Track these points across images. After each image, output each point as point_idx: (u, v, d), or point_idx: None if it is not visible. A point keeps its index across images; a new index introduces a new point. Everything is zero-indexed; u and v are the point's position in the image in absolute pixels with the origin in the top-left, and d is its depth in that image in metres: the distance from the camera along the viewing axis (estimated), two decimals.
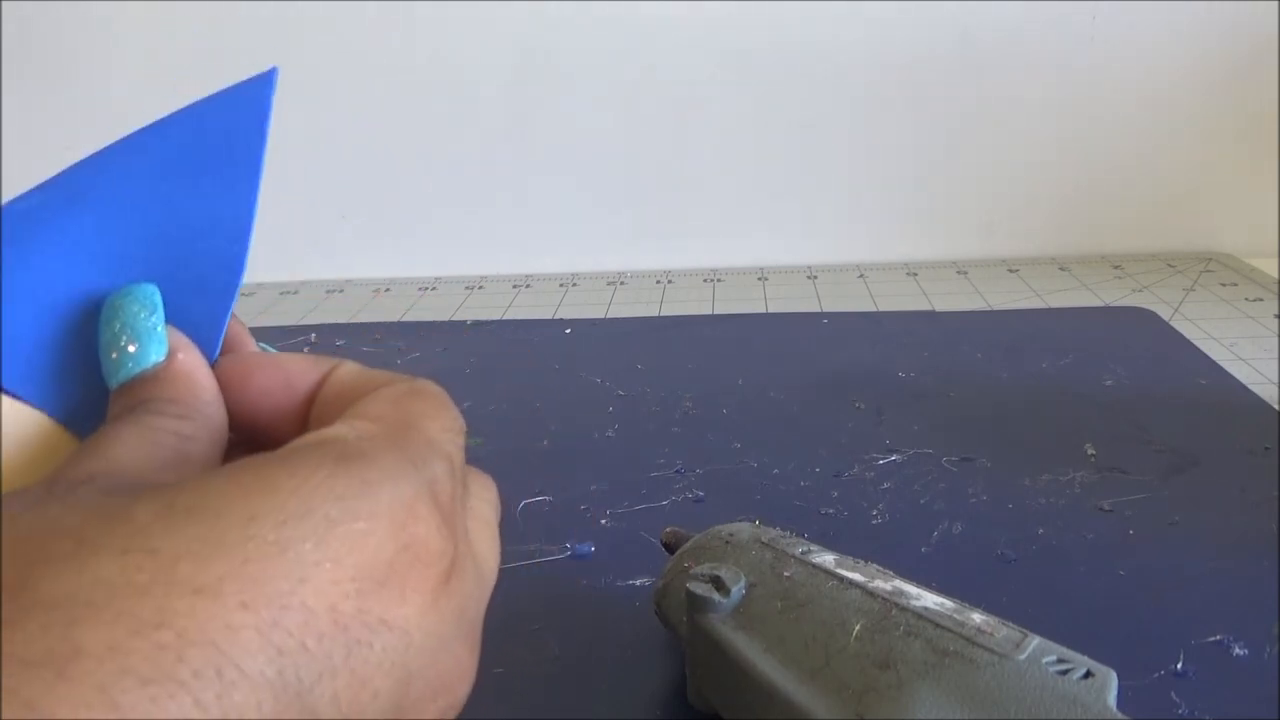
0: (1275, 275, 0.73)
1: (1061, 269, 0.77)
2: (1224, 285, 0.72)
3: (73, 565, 0.14)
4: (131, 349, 0.21)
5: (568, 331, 0.68)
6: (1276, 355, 0.58)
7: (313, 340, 0.68)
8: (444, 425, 0.21)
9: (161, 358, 0.21)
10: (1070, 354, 0.59)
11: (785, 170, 0.82)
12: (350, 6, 0.79)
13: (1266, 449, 0.46)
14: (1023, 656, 0.24)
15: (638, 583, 0.38)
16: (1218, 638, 0.34)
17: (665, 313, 0.71)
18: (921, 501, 0.43)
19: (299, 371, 0.23)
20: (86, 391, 0.22)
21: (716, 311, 0.71)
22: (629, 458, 0.48)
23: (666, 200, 0.83)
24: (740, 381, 0.57)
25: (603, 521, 0.42)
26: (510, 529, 0.42)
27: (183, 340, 0.22)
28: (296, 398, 0.23)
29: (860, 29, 0.77)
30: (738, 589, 0.28)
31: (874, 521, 0.42)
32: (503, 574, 0.39)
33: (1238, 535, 0.40)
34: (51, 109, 0.83)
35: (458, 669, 0.19)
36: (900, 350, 0.60)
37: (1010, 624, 0.26)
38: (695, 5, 0.78)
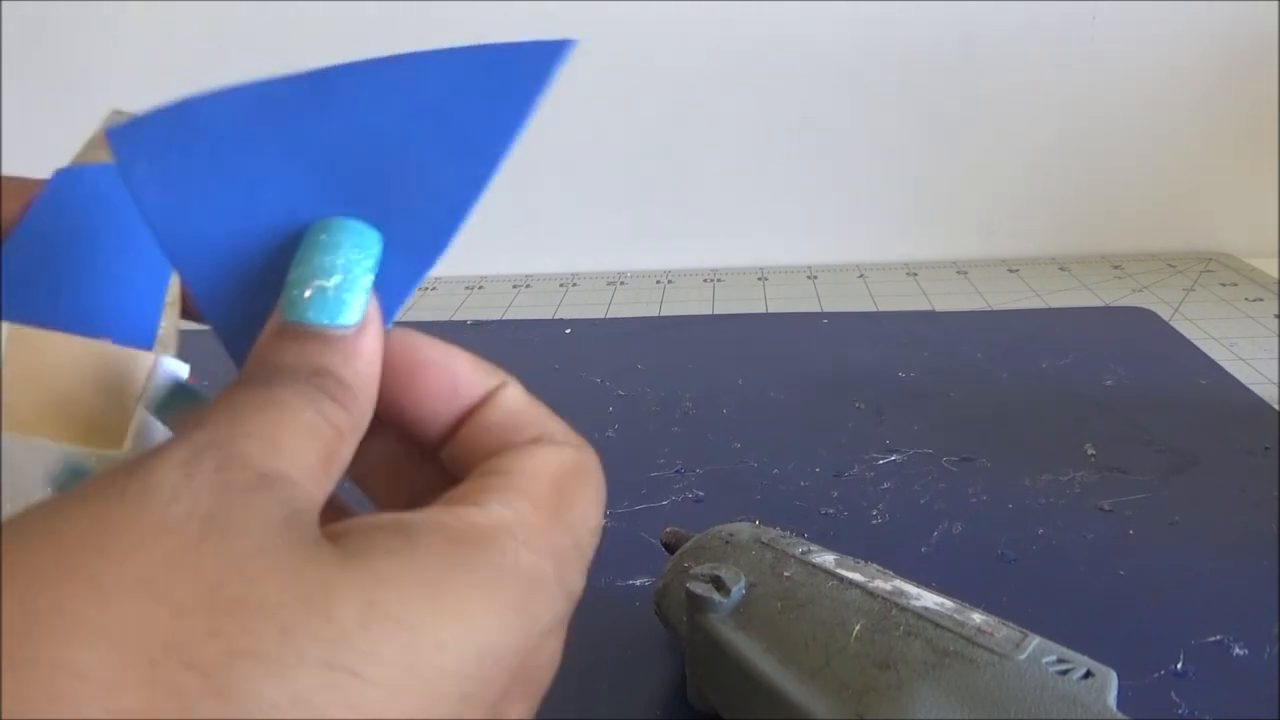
0: (1275, 275, 0.73)
1: (1061, 269, 0.77)
2: (1224, 285, 0.72)
3: (275, 670, 0.14)
4: (334, 295, 0.19)
5: (568, 332, 0.68)
6: (1276, 355, 0.58)
7: None
8: (594, 526, 0.21)
9: (356, 321, 0.19)
10: (1070, 354, 0.59)
11: (785, 170, 0.82)
12: (350, 6, 0.79)
13: (1266, 449, 0.46)
14: (1023, 656, 0.24)
15: (638, 583, 0.38)
16: (1218, 638, 0.34)
17: (665, 313, 0.71)
18: (921, 501, 0.43)
19: (467, 380, 0.21)
20: (232, 310, 0.20)
21: (716, 311, 0.71)
22: (629, 458, 0.48)
23: (666, 200, 0.83)
24: (740, 381, 0.57)
25: (603, 521, 0.42)
26: None
27: (377, 313, 0.19)
28: (458, 408, 0.21)
29: (860, 29, 0.77)
30: (738, 589, 0.28)
31: (874, 521, 0.42)
32: None
33: (1238, 535, 0.40)
34: (52, 109, 0.83)
35: None
36: (900, 350, 0.60)
37: (1010, 624, 0.26)
38: (696, 5, 0.78)
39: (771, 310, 0.71)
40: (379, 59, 0.19)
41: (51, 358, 0.25)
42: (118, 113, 0.28)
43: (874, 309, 0.70)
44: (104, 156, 0.28)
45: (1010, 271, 0.78)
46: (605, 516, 0.42)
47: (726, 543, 0.31)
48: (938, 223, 0.82)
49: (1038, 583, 0.37)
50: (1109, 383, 0.54)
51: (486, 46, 0.20)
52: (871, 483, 0.45)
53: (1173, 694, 0.31)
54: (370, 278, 0.19)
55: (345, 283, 0.19)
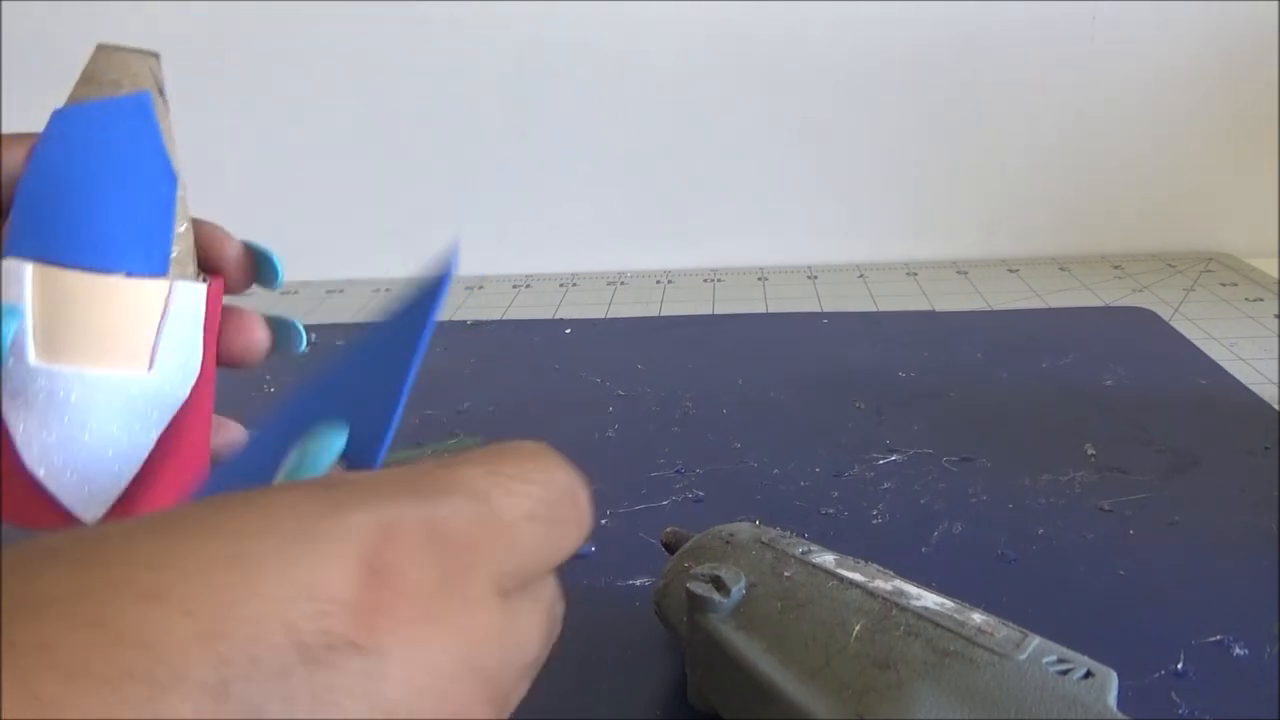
0: (1275, 275, 0.73)
1: (1062, 269, 0.77)
2: (1224, 285, 0.72)
3: (23, 575, 0.14)
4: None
5: (568, 332, 0.68)
6: (1276, 355, 0.58)
7: (313, 340, 0.68)
8: (493, 468, 0.20)
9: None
10: (1070, 354, 0.59)
11: (786, 170, 0.82)
12: (350, 7, 0.79)
13: (1266, 449, 0.46)
14: (1023, 656, 0.24)
15: (638, 583, 0.38)
16: (1218, 638, 0.34)
17: (665, 313, 0.71)
18: (921, 501, 0.43)
19: None
20: None
21: (717, 311, 0.71)
22: (629, 458, 0.48)
23: (667, 200, 0.83)
24: (740, 381, 0.57)
25: (603, 522, 0.42)
26: None
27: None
28: None
29: (861, 29, 0.77)
30: (738, 589, 0.28)
31: (874, 521, 0.42)
32: None
33: (1238, 535, 0.40)
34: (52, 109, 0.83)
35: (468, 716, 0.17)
36: (900, 350, 0.60)
37: (1010, 624, 0.26)
38: (696, 5, 0.78)
39: (772, 310, 0.71)
40: (358, 338, 0.24)
41: (74, 294, 0.28)
42: (102, 47, 0.30)
43: (874, 309, 0.70)
44: (96, 92, 0.29)
45: (1010, 271, 0.78)
46: (605, 516, 0.42)
47: (727, 543, 0.31)
48: (938, 223, 0.82)
49: (1038, 583, 0.37)
50: (1109, 383, 0.54)
51: (402, 306, 0.24)
52: (871, 483, 0.45)
53: (1173, 694, 0.31)
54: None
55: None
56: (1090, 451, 0.47)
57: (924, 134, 0.80)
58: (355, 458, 0.24)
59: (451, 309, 0.74)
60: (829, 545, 0.31)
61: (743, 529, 0.32)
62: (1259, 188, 0.79)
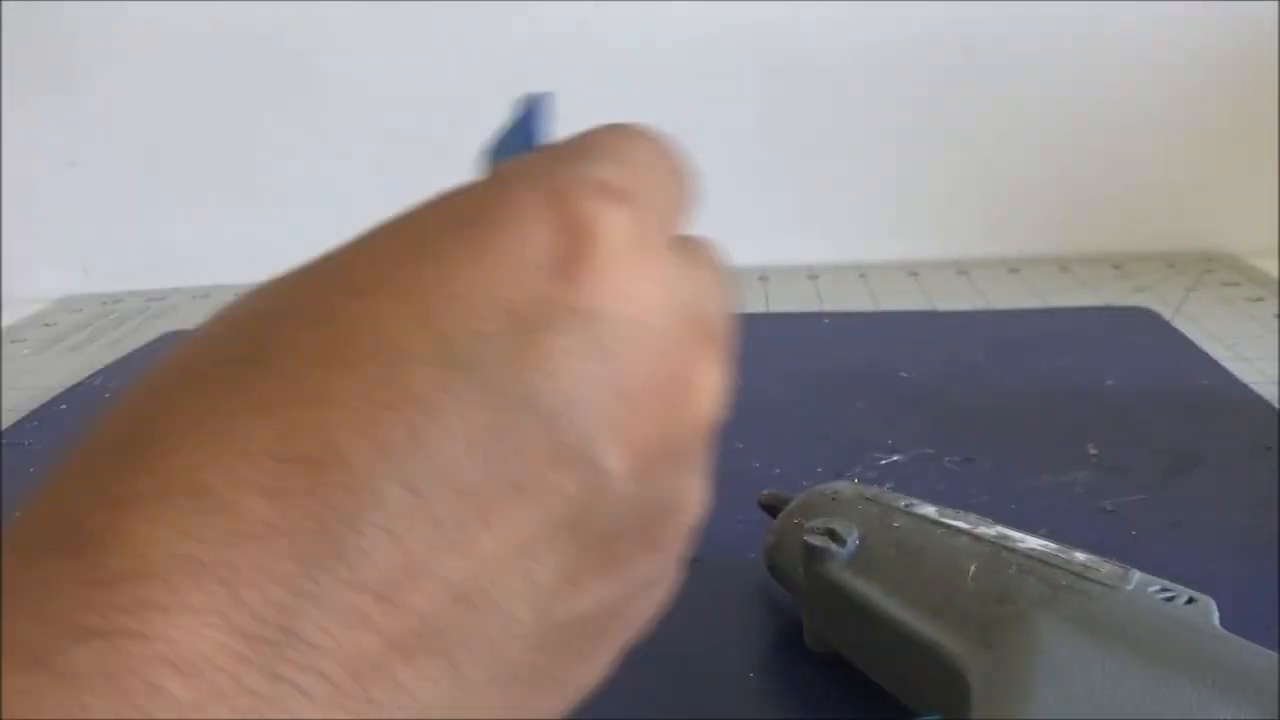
0: (1276, 275, 0.73)
1: (1062, 269, 0.77)
2: (1225, 285, 0.72)
3: (243, 298, 0.17)
4: None
5: None
6: (1277, 355, 0.58)
7: None
8: (611, 133, 0.20)
9: None
10: (1071, 354, 0.58)
11: (786, 170, 0.82)
12: (350, 8, 0.79)
13: (1268, 449, 0.46)
14: (1130, 587, 0.26)
15: None
16: None
17: None
18: None
19: None
20: None
21: None
22: None
23: None
24: (741, 381, 0.56)
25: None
26: None
27: None
28: None
29: (862, 29, 0.77)
30: (853, 539, 0.30)
31: None
32: None
33: (1239, 535, 0.40)
34: (52, 109, 0.83)
35: (687, 356, 0.18)
36: (901, 350, 0.60)
37: (1112, 561, 0.28)
38: (696, 5, 0.78)
39: (772, 310, 0.71)
40: None
41: None
42: None
43: (875, 309, 0.70)
44: None
45: (1011, 271, 0.78)
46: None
47: (832, 499, 0.33)
48: (938, 223, 0.82)
49: None
50: (1110, 383, 0.54)
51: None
52: (873, 483, 0.45)
53: None
54: None
55: None
56: (1092, 451, 0.47)
57: (924, 133, 0.80)
58: None
59: None
60: (1009, 523, 0.32)
61: (845, 486, 0.34)
62: (1260, 188, 0.78)
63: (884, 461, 0.47)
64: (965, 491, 0.44)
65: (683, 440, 0.18)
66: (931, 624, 0.27)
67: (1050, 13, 0.76)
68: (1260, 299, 0.68)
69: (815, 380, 0.56)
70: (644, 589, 0.19)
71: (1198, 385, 0.54)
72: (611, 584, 0.18)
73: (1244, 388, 0.53)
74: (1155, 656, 0.24)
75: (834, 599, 0.31)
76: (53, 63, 0.82)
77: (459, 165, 0.79)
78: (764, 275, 0.80)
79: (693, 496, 0.19)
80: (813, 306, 0.71)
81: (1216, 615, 0.26)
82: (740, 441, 0.49)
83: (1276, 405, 0.51)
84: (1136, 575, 0.27)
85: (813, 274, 0.79)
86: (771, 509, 0.36)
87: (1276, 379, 0.54)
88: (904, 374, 0.57)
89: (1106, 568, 0.27)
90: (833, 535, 0.31)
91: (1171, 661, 0.24)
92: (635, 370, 0.16)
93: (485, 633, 0.15)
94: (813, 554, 0.31)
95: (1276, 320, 0.64)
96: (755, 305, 0.72)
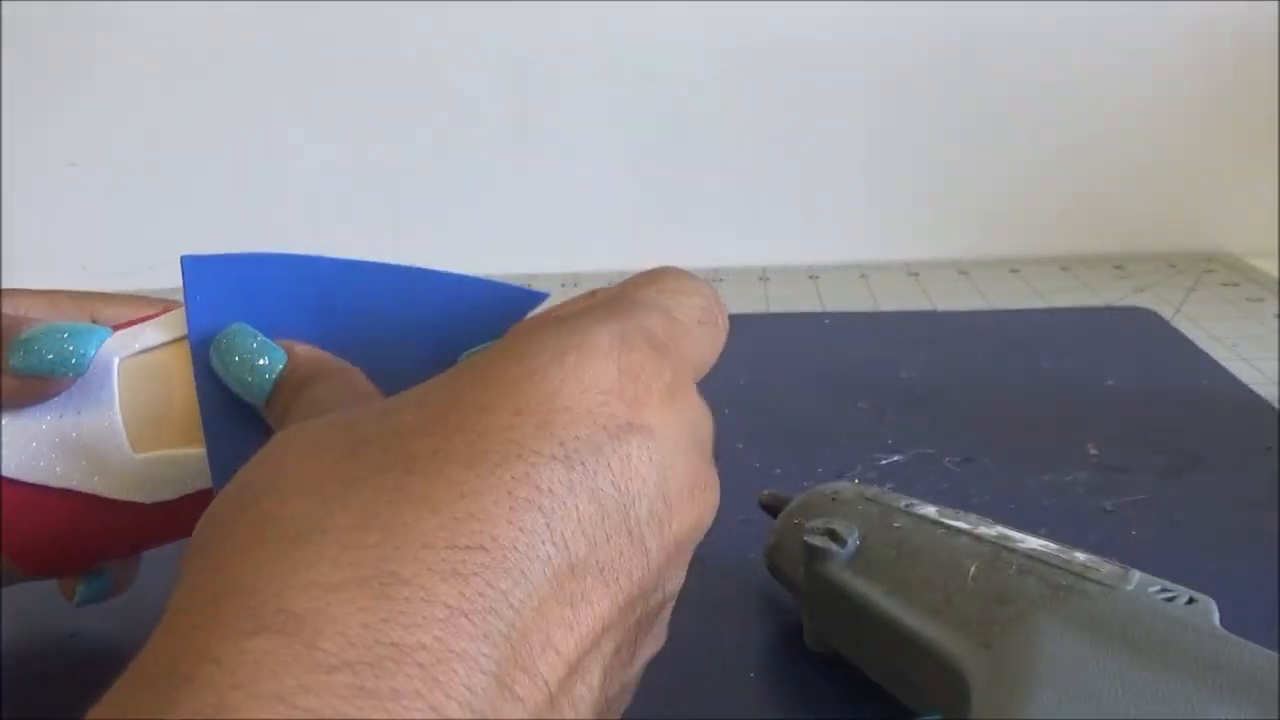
0: (1276, 275, 0.73)
1: (1063, 269, 0.77)
2: (1225, 285, 0.72)
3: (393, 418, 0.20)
4: (264, 360, 0.26)
5: None
6: (1277, 355, 0.58)
7: None
8: (660, 287, 0.25)
9: (284, 360, 0.26)
10: (1072, 354, 0.58)
11: (786, 170, 0.82)
12: (350, 7, 0.79)
13: (1268, 449, 0.46)
14: (1130, 587, 0.26)
15: None
16: None
17: None
18: None
19: None
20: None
21: None
22: None
23: (667, 200, 0.83)
24: (742, 382, 0.57)
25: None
26: None
27: (293, 344, 0.26)
28: None
29: (862, 29, 0.77)
30: (853, 539, 0.30)
31: None
32: None
33: (1239, 535, 0.40)
34: (52, 109, 0.83)
35: (701, 477, 0.23)
36: (902, 350, 0.60)
37: (1112, 561, 0.28)
38: (696, 4, 0.78)
39: (773, 310, 0.71)
40: (400, 267, 0.28)
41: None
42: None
43: (876, 309, 0.70)
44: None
45: (1012, 272, 0.78)
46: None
47: (833, 499, 0.33)
48: (939, 223, 0.82)
49: None
50: (1111, 383, 0.54)
51: (481, 281, 0.29)
52: (874, 483, 0.45)
53: None
54: (264, 338, 0.27)
55: (262, 349, 0.27)
56: (1092, 451, 0.47)
57: (925, 134, 0.80)
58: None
59: None
60: (1009, 523, 0.32)
61: (846, 487, 0.34)
62: (1260, 188, 0.78)
63: (884, 461, 0.47)
64: (966, 491, 0.44)
65: (691, 540, 0.23)
66: (931, 624, 0.27)
67: (1051, 13, 0.76)
68: (1260, 299, 0.68)
69: (815, 380, 0.56)
70: (642, 670, 0.23)
71: (1198, 385, 0.54)
72: (636, 663, 0.22)
73: (1244, 388, 0.53)
74: (1156, 656, 0.24)
75: (834, 599, 0.31)
76: (53, 63, 0.82)
77: (458, 165, 0.79)
78: (764, 275, 0.80)
79: (678, 588, 0.23)
80: (813, 306, 0.71)
81: (1217, 615, 0.26)
82: (740, 441, 0.49)
83: (1276, 405, 0.51)
84: (1137, 575, 0.27)
85: (813, 274, 0.79)
86: (772, 509, 0.36)
87: (1276, 379, 0.54)
88: (904, 374, 0.57)
89: (1107, 568, 0.27)
90: (833, 535, 0.31)
91: (1172, 662, 0.24)
92: (675, 480, 0.21)
93: (578, 699, 0.18)
94: (813, 554, 0.31)
95: (1276, 320, 0.64)
96: (755, 305, 0.72)
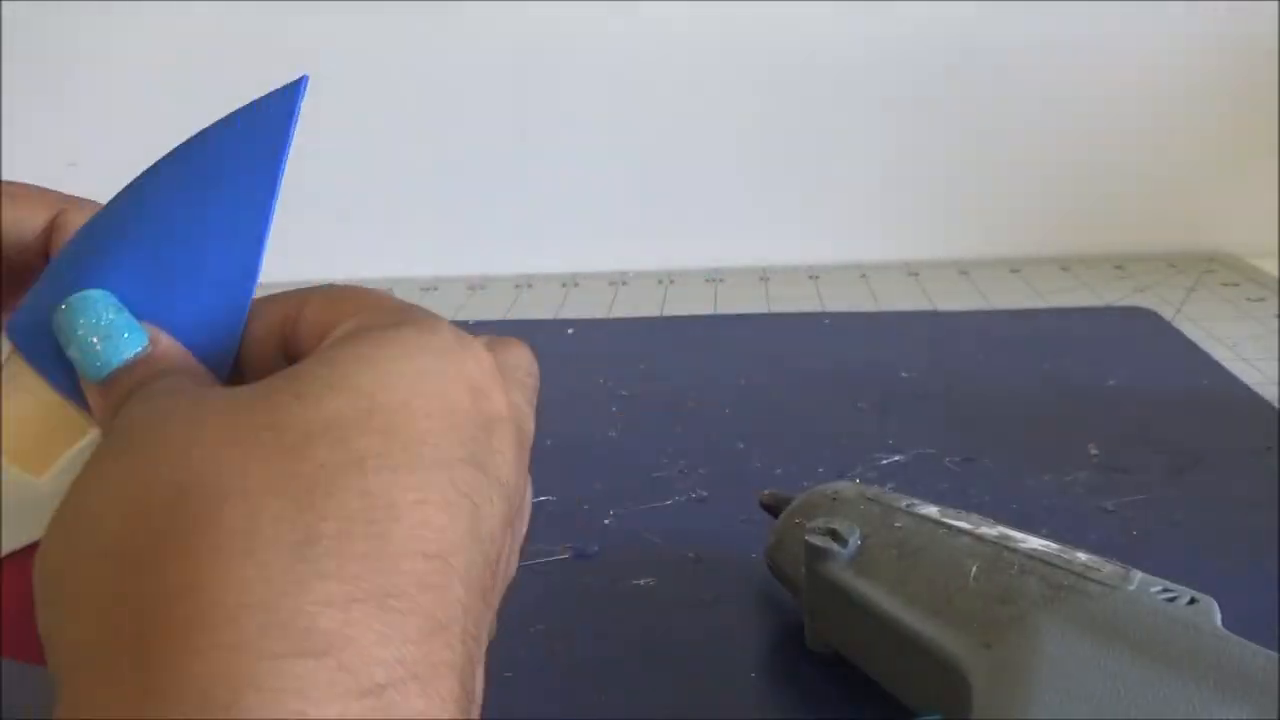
0: (1277, 275, 0.73)
1: (1063, 269, 0.77)
2: (1226, 285, 0.72)
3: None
4: (126, 335, 0.22)
5: (570, 332, 0.68)
6: (1277, 355, 0.58)
7: None
8: (489, 344, 0.24)
9: (145, 343, 0.22)
10: (1072, 354, 0.59)
11: (787, 170, 0.82)
12: (349, 7, 0.79)
13: (1268, 449, 0.46)
14: (1131, 587, 0.26)
15: (641, 582, 0.38)
16: None
17: (668, 313, 0.71)
18: None
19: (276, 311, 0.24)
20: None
21: (719, 312, 0.71)
22: (632, 458, 0.48)
23: (668, 200, 0.83)
24: (742, 382, 0.57)
25: (606, 521, 0.42)
26: None
27: (159, 332, 0.23)
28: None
29: (862, 29, 0.77)
30: (854, 539, 0.31)
31: None
32: None
33: (1239, 535, 0.40)
34: (52, 109, 0.83)
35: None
36: (902, 350, 0.60)
37: (1114, 561, 0.28)
38: (697, 5, 0.78)
39: (774, 310, 0.71)
40: (162, 159, 0.26)
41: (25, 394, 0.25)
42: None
43: (876, 309, 0.70)
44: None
45: (1012, 271, 0.78)
46: (607, 516, 0.42)
47: (833, 499, 0.33)
48: (939, 223, 0.82)
49: None
50: (1111, 383, 0.54)
51: (239, 110, 0.25)
52: (874, 483, 0.45)
53: None
54: (127, 314, 0.23)
55: (119, 326, 0.23)
56: (1093, 451, 0.47)
57: (925, 134, 0.80)
58: (208, 325, 0.24)
59: (453, 309, 0.74)
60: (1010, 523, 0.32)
61: (846, 486, 0.34)
62: (1260, 188, 0.78)
63: (885, 461, 0.47)
64: (966, 491, 0.44)
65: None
66: (933, 624, 0.27)
67: (1050, 13, 0.76)
68: (1260, 299, 0.68)
69: (816, 380, 0.56)
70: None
71: (1198, 385, 0.54)
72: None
73: (1244, 388, 0.53)
74: (1156, 657, 0.24)
75: (835, 599, 0.31)
76: (53, 63, 0.82)
77: (458, 165, 0.79)
78: (764, 275, 0.80)
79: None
80: (813, 306, 0.71)
81: (1218, 615, 0.26)
82: (741, 441, 0.49)
83: (1276, 405, 0.51)
84: (1138, 575, 0.27)
85: (813, 274, 0.79)
86: (772, 509, 0.36)
87: (1276, 379, 0.54)
88: (905, 374, 0.57)
89: (1108, 568, 0.27)
90: (834, 535, 0.31)
91: (1172, 662, 0.24)
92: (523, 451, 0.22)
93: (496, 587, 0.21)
94: (814, 554, 0.31)
95: (1276, 320, 0.64)
96: (755, 305, 0.72)
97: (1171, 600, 0.26)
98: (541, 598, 0.37)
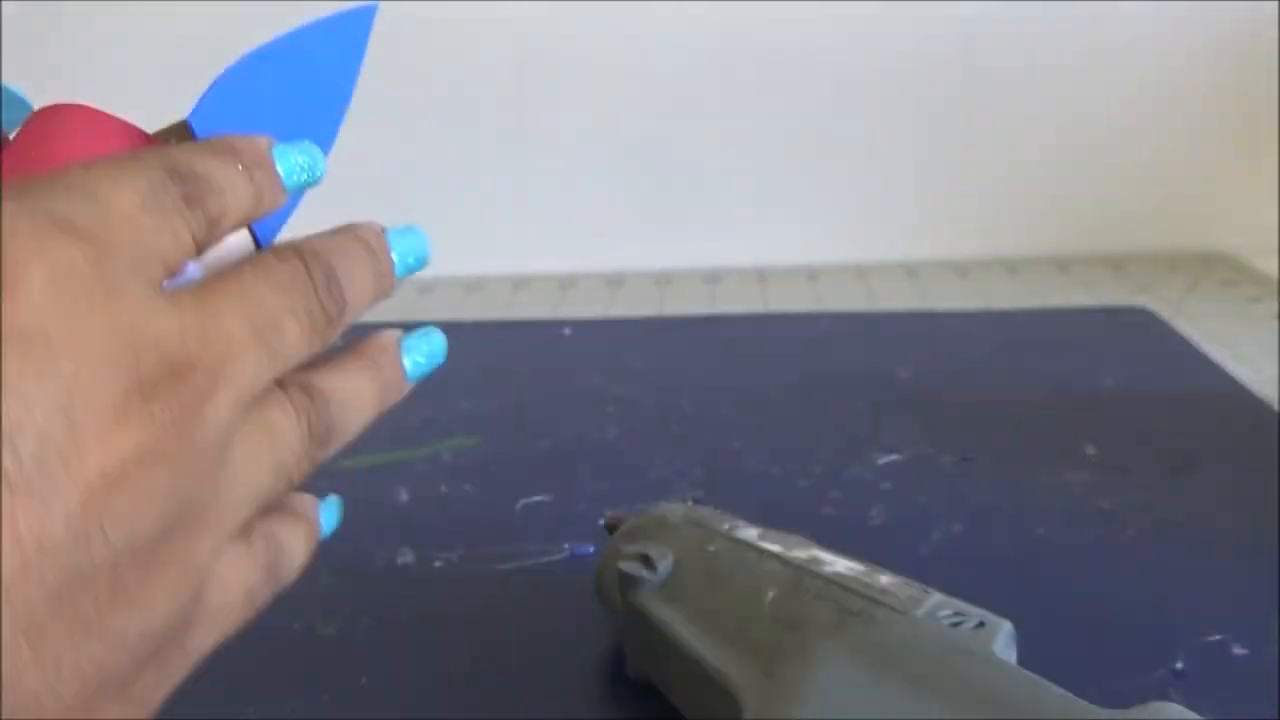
0: (1275, 275, 0.73)
1: (1061, 269, 0.77)
2: (1224, 285, 0.72)
3: None
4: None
5: (567, 332, 0.68)
6: (1276, 355, 0.58)
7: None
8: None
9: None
10: (1070, 354, 0.58)
11: (785, 170, 0.82)
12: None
13: (1268, 449, 0.46)
14: (920, 612, 0.26)
15: None
16: (1217, 637, 0.34)
17: (665, 313, 0.71)
18: (921, 502, 0.43)
19: None
20: None
21: (716, 312, 0.71)
22: (628, 458, 0.48)
23: (666, 200, 0.83)
24: (739, 382, 0.57)
25: (601, 522, 0.42)
26: (509, 529, 0.42)
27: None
28: None
29: (861, 28, 0.77)
30: (664, 565, 0.30)
31: (873, 522, 0.42)
32: (503, 575, 0.39)
33: (1238, 535, 0.40)
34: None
35: (129, 401, 0.18)
36: (900, 351, 0.60)
37: (915, 584, 0.28)
38: (696, 5, 0.78)
39: (771, 310, 0.71)
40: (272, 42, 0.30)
41: None
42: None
43: (873, 309, 0.70)
44: None
45: (1010, 271, 0.78)
46: (604, 517, 0.42)
47: (660, 523, 0.33)
48: (937, 223, 0.82)
49: (1037, 583, 0.37)
50: (1109, 383, 0.54)
51: (322, 20, 0.30)
52: (871, 483, 0.45)
53: (1172, 694, 0.31)
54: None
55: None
56: (1090, 452, 0.47)
57: (924, 133, 0.80)
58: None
59: (450, 309, 0.74)
60: (828, 546, 0.31)
61: (676, 509, 0.34)
62: (1259, 188, 0.78)
63: (882, 461, 0.47)
64: (964, 491, 0.43)
65: (136, 474, 0.19)
66: (724, 652, 0.27)
67: (1050, 14, 0.76)
68: (1260, 299, 0.68)
69: (814, 380, 0.56)
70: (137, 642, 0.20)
71: (1197, 386, 0.54)
72: (108, 632, 0.19)
73: (1243, 388, 0.53)
74: (925, 684, 0.24)
75: (643, 626, 0.30)
76: (53, 63, 0.82)
77: (457, 164, 0.79)
78: (763, 275, 0.80)
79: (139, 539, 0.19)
80: (812, 307, 0.71)
81: (1005, 638, 0.26)
82: (738, 442, 0.49)
83: (1276, 405, 0.51)
84: (933, 599, 0.27)
85: (812, 274, 0.79)
86: (613, 530, 0.35)
87: (1276, 379, 0.54)
88: (902, 374, 0.57)
89: (906, 592, 0.27)
90: (646, 561, 0.30)
91: (940, 690, 0.24)
92: (85, 402, 0.17)
93: None
94: (626, 581, 0.30)
95: (1276, 320, 0.64)
96: (753, 305, 0.72)
97: (957, 625, 0.26)
98: (538, 598, 0.37)
